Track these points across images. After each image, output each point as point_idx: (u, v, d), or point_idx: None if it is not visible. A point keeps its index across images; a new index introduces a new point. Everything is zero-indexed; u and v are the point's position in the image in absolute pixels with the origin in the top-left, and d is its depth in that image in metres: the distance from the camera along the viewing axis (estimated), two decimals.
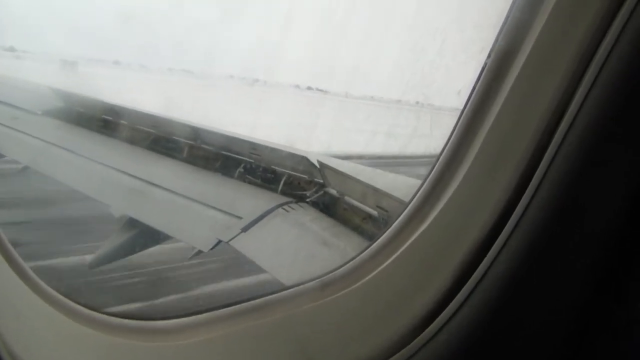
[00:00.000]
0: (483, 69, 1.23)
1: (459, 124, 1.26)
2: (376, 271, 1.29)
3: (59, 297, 1.20)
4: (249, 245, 3.81)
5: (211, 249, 3.87)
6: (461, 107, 1.27)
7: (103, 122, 5.75)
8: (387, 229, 1.34)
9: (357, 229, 3.82)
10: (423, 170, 1.39)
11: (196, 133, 5.17)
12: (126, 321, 1.23)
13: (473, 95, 1.24)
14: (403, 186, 3.74)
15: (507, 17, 1.20)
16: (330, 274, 1.33)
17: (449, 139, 1.28)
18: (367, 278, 1.29)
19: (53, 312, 1.16)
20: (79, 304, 1.21)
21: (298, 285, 1.32)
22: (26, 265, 1.17)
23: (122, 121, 5.68)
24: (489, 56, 1.22)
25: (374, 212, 3.72)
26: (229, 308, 1.27)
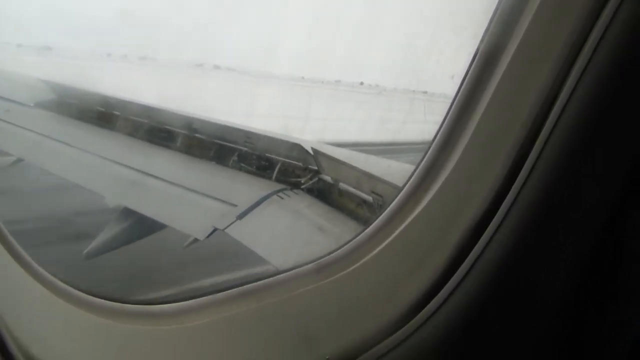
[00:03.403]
0: (475, 55, 1.24)
1: (452, 110, 1.27)
2: (371, 254, 1.31)
3: (60, 283, 1.21)
4: (245, 233, 3.82)
5: (207, 236, 3.88)
6: (454, 93, 1.29)
7: (96, 113, 5.73)
8: (382, 213, 1.36)
9: (352, 215, 3.84)
10: (416, 157, 1.40)
11: (190, 122, 5.17)
12: (126, 306, 1.24)
13: (465, 81, 1.25)
14: (397, 172, 3.76)
15: (499, 3, 1.21)
16: (326, 257, 1.35)
17: (441, 125, 1.29)
18: (362, 261, 1.31)
19: (54, 299, 1.18)
20: (79, 289, 1.22)
21: (294, 268, 1.34)
22: (26, 254, 1.18)
23: (115, 112, 5.66)
24: (481, 42, 1.23)
25: (369, 198, 3.74)
26: (227, 291, 1.29)
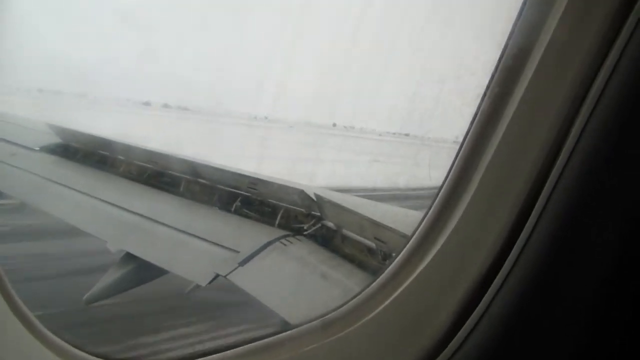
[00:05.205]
0: (481, 103, 1.23)
1: (460, 156, 1.26)
2: (377, 310, 1.28)
3: (63, 344, 1.18)
4: (247, 279, 3.80)
5: (209, 283, 3.86)
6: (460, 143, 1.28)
7: (100, 157, 5.78)
8: (388, 267, 1.34)
9: (355, 261, 3.81)
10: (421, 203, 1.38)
11: (193, 167, 5.19)
12: None
13: (472, 127, 1.24)
14: (400, 217, 3.75)
15: (503, 54, 1.21)
16: (332, 313, 1.33)
17: (449, 172, 1.28)
18: (368, 317, 1.28)
19: None
20: (84, 351, 1.20)
21: (300, 325, 1.32)
22: (30, 313, 1.17)
23: (119, 156, 5.70)
24: (483, 96, 1.24)
25: (372, 244, 3.72)
26: (232, 350, 1.26)
